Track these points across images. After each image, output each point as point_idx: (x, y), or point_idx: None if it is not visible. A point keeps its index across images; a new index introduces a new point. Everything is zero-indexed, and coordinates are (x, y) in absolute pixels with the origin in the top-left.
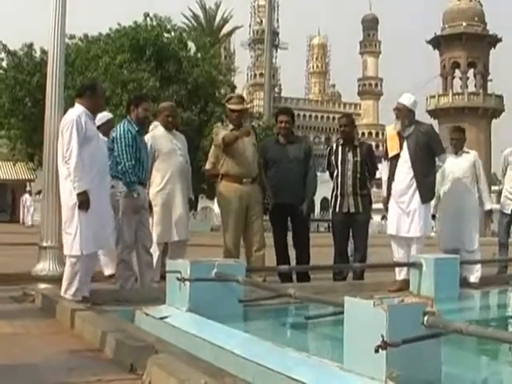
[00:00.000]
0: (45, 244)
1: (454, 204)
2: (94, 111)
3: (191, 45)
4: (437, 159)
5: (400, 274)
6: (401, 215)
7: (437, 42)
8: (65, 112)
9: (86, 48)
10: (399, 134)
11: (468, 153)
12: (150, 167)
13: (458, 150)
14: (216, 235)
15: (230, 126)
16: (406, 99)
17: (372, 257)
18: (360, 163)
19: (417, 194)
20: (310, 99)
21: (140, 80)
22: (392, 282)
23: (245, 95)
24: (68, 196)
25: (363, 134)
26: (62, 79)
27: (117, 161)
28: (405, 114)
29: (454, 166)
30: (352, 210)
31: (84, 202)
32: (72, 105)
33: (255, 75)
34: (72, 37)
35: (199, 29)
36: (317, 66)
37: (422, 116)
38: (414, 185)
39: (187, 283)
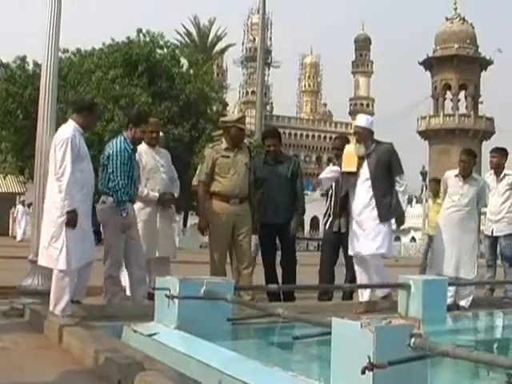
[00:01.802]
0: (36, 258)
1: (455, 232)
2: (85, 128)
3: (184, 61)
4: (397, 179)
5: (363, 296)
6: (360, 235)
7: (429, 64)
8: (57, 126)
9: (79, 62)
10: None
11: (476, 179)
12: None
13: (465, 174)
14: (205, 252)
15: (224, 145)
16: (364, 121)
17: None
18: None
19: (374, 212)
20: (302, 118)
21: (132, 95)
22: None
23: (236, 113)
24: (57, 212)
25: None
26: (55, 93)
27: (109, 177)
28: (366, 136)
29: (458, 192)
30: (343, 229)
31: (72, 219)
32: (63, 118)
33: (247, 93)
34: (65, 51)
35: (192, 45)
36: (309, 85)
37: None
38: (373, 203)
39: (176, 300)
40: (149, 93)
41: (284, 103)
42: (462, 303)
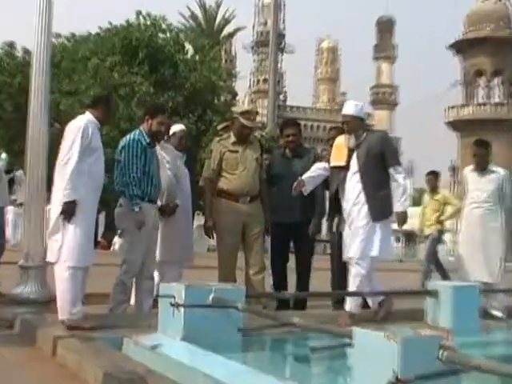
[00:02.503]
0: (28, 264)
1: (476, 231)
2: (102, 122)
3: (189, 47)
4: (391, 171)
5: (351, 306)
6: (348, 236)
7: (459, 47)
8: (50, 118)
9: (74, 48)
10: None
11: (494, 172)
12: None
13: (481, 167)
14: (213, 256)
15: (232, 139)
16: (352, 108)
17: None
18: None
19: (364, 210)
20: (318, 108)
21: (132, 84)
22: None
23: (246, 103)
24: (57, 202)
25: None
26: (47, 82)
27: (122, 172)
28: (355, 125)
29: (477, 187)
30: (341, 229)
31: (68, 211)
32: (57, 110)
33: (258, 81)
34: (58, 35)
35: (198, 29)
36: (326, 72)
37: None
38: (362, 200)
39: (181, 309)
40: (150, 81)
41: (299, 92)
42: (495, 312)
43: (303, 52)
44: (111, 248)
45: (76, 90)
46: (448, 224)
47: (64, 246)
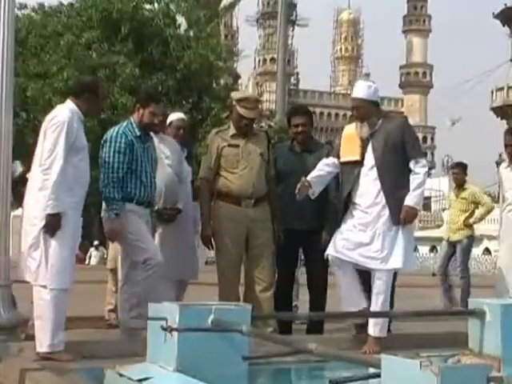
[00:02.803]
0: None
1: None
2: (88, 114)
3: (181, 20)
4: (413, 165)
5: (375, 327)
6: (362, 241)
7: (507, 17)
8: (15, 107)
9: (42, 22)
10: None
11: None
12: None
13: None
14: (213, 270)
15: (232, 131)
16: (364, 90)
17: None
18: None
19: (385, 212)
20: (337, 93)
21: (114, 65)
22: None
23: (251, 87)
24: (40, 212)
25: None
26: (11, 62)
27: (102, 170)
28: (368, 111)
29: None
30: None
31: (53, 225)
32: (23, 96)
33: (265, 61)
34: (23, 6)
35: None
36: (346, 49)
37: (485, 114)
38: (382, 201)
39: (175, 334)
40: (136, 62)
41: (314, 74)
42: None
43: (318, 25)
44: (87, 261)
45: (46, 73)
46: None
47: (45, 266)
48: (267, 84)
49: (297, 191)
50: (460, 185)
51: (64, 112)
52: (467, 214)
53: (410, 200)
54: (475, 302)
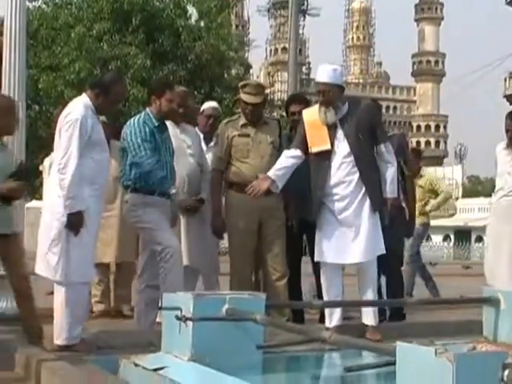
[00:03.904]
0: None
1: (505, 227)
2: (100, 111)
3: (192, 10)
4: (382, 149)
5: (332, 319)
6: (346, 236)
7: None
8: (27, 99)
9: (54, 14)
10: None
11: None
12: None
13: None
14: (227, 260)
15: (242, 120)
16: (329, 73)
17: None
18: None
19: (367, 203)
20: (349, 82)
21: (125, 57)
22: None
23: (262, 77)
24: (59, 209)
25: (419, 127)
26: (22, 55)
27: (132, 162)
28: (335, 95)
29: (507, 170)
30: None
31: (75, 224)
32: (35, 88)
33: (276, 50)
34: None
35: None
36: (358, 38)
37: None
38: (363, 189)
39: (190, 323)
40: (147, 53)
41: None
42: None
43: (330, 14)
44: None
45: (57, 65)
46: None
47: (65, 260)
48: (279, 74)
49: (252, 188)
50: (416, 171)
51: (78, 108)
52: (423, 202)
53: (391, 191)
54: (490, 290)
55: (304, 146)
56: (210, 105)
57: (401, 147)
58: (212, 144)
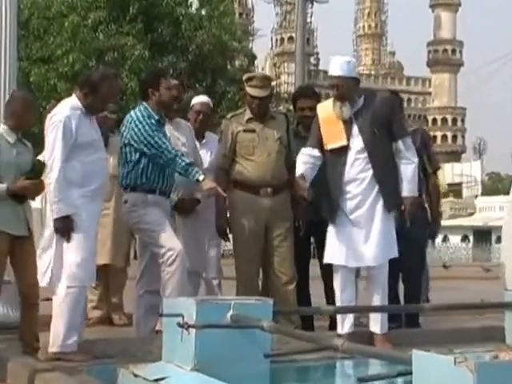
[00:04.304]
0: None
1: None
2: (90, 111)
3: None
4: (401, 145)
5: (344, 325)
6: (358, 237)
7: None
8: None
9: (46, 2)
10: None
11: None
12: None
13: None
14: (230, 263)
15: (248, 115)
16: (343, 66)
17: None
18: None
19: (380, 203)
20: (360, 73)
21: (122, 48)
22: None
23: (268, 68)
24: (51, 214)
25: (435, 120)
26: (13, 46)
27: (133, 162)
28: (350, 89)
29: None
30: None
31: (63, 229)
32: (26, 81)
33: (282, 40)
34: None
35: None
36: (369, 27)
37: None
38: (376, 188)
39: (192, 331)
40: (145, 43)
41: (335, 53)
42: None
43: (339, 1)
44: None
45: (50, 57)
46: None
47: (57, 266)
48: (285, 65)
49: (300, 188)
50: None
51: (62, 110)
52: None
53: (410, 190)
54: (510, 294)
55: (320, 144)
56: (199, 100)
57: (424, 143)
58: (204, 141)
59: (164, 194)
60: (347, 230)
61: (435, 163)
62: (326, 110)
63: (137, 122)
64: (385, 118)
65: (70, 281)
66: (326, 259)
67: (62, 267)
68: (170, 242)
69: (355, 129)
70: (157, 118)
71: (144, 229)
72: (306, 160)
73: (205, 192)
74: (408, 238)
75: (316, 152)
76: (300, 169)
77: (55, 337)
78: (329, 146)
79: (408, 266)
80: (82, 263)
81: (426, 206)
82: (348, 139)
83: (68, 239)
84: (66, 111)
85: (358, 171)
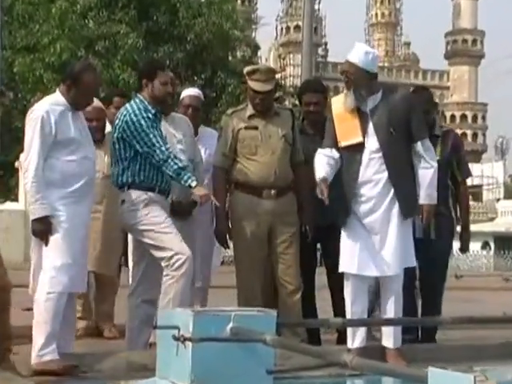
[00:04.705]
0: None
1: None
2: (75, 106)
3: None
4: (419, 147)
5: (354, 339)
6: (371, 244)
7: None
8: (13, 87)
9: None
10: (358, 110)
11: None
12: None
13: None
14: (231, 271)
15: (250, 111)
16: (358, 54)
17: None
18: None
19: (395, 208)
20: None
21: (114, 36)
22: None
23: (272, 60)
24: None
25: (453, 116)
26: None
27: (142, 152)
28: (358, 80)
29: None
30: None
31: (41, 231)
32: (10, 72)
33: (288, 29)
34: None
35: None
36: (382, 15)
37: None
38: (391, 192)
39: (189, 344)
40: (139, 32)
41: (345, 44)
42: None
43: None
44: None
45: (35, 45)
46: None
47: (40, 270)
48: (291, 56)
49: (324, 196)
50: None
51: (42, 105)
52: None
53: (426, 196)
54: None
55: (336, 143)
56: (188, 92)
57: (455, 147)
58: (197, 138)
59: (163, 193)
60: (360, 236)
61: (467, 171)
62: (340, 104)
63: (132, 116)
64: (403, 116)
65: (50, 286)
66: (341, 268)
67: (46, 270)
68: (179, 245)
69: (371, 126)
70: (153, 111)
71: (147, 230)
72: (325, 161)
73: (197, 198)
74: (431, 250)
75: (334, 153)
76: (320, 171)
77: (33, 345)
78: (343, 143)
79: (429, 280)
80: (63, 268)
81: (453, 215)
82: (364, 136)
83: (46, 242)
84: (45, 106)
85: (373, 172)
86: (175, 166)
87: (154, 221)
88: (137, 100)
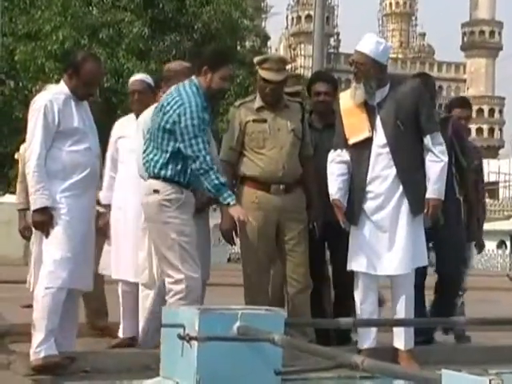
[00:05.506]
0: None
1: None
2: (78, 96)
3: None
4: (428, 141)
5: (365, 340)
6: (381, 242)
7: None
8: (14, 76)
9: None
10: (365, 104)
11: None
12: None
13: None
14: (237, 269)
15: (258, 103)
16: (369, 45)
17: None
18: None
19: (405, 204)
20: None
21: (119, 24)
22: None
23: (282, 50)
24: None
25: None
26: None
27: (188, 154)
28: (369, 71)
29: None
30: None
31: (41, 223)
32: (11, 60)
33: (299, 18)
34: None
35: None
36: (397, 4)
37: None
38: (400, 188)
39: (195, 344)
40: (145, 20)
41: (358, 35)
42: None
43: None
44: None
45: (37, 33)
46: None
47: (40, 264)
48: (302, 46)
49: (343, 222)
50: None
51: (45, 96)
52: None
53: (433, 191)
54: None
55: (346, 141)
56: (132, 78)
57: (456, 132)
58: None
59: (195, 193)
60: (369, 233)
61: (472, 156)
62: (348, 99)
63: (187, 110)
64: (411, 109)
65: (48, 281)
66: (350, 266)
67: (46, 265)
68: (192, 270)
69: (378, 120)
70: (205, 104)
71: (171, 238)
72: (337, 171)
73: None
74: (443, 244)
75: (345, 155)
76: (333, 187)
77: (32, 342)
78: (351, 140)
79: (443, 276)
80: (62, 262)
81: (459, 197)
82: (372, 131)
83: (47, 234)
84: (48, 96)
85: (381, 168)
86: (216, 181)
87: (181, 229)
88: (194, 88)
